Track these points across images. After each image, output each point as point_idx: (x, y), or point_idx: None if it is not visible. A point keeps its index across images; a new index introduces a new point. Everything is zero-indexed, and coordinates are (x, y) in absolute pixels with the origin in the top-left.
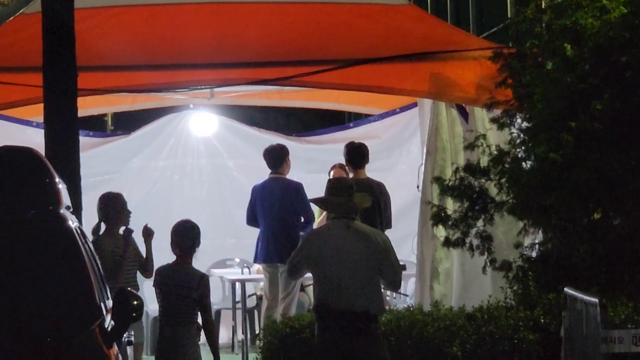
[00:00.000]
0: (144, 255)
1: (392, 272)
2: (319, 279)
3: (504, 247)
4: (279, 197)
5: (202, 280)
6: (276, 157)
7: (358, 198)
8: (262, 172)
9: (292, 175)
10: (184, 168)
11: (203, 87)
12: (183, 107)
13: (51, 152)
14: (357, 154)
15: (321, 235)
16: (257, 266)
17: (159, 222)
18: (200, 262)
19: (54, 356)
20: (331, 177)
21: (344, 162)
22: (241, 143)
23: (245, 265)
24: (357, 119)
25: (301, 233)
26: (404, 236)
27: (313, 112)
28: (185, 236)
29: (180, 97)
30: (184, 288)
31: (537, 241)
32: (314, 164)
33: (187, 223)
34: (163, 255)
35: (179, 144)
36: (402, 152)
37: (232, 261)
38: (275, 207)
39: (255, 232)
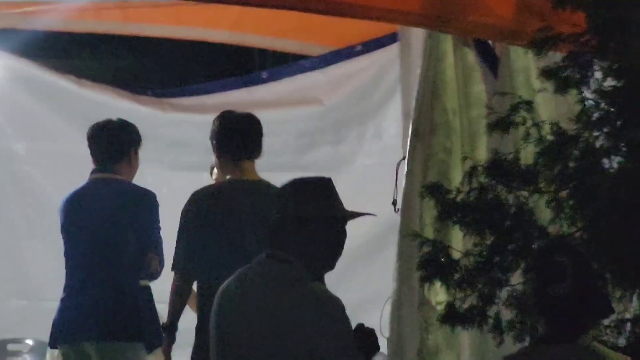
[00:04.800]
0: None
1: None
2: None
3: None
4: (105, 215)
5: None
6: (114, 141)
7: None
8: (84, 167)
9: (143, 173)
10: None
11: None
12: None
13: None
14: (239, 132)
15: (232, 294)
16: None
17: None
18: None
19: None
20: (213, 178)
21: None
22: (42, 107)
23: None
24: (277, 64)
25: (146, 283)
26: (363, 301)
27: (189, 48)
28: None
29: None
30: None
31: (630, 316)
32: (188, 152)
33: None
34: None
35: None
36: (366, 132)
37: (18, 344)
38: (95, 235)
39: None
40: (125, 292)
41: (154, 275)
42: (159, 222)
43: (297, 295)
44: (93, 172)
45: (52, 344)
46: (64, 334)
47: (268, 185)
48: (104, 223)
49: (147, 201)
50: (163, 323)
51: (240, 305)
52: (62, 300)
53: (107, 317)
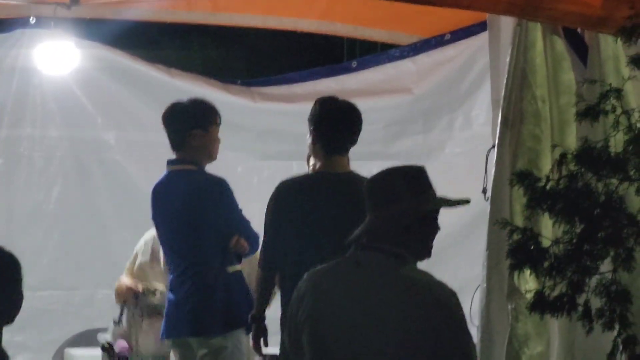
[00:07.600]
0: None
1: None
2: None
3: None
4: (182, 209)
5: None
6: (182, 126)
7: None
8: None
9: (232, 162)
10: (14, 146)
11: None
12: (15, 23)
13: None
14: (335, 123)
15: (329, 283)
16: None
17: None
18: (38, 333)
19: None
20: (311, 167)
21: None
22: (132, 96)
23: None
24: (366, 53)
25: (235, 268)
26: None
27: (277, 38)
28: None
29: (10, 2)
30: None
31: None
32: (277, 141)
33: None
34: None
35: (7, 97)
36: (455, 121)
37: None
38: (178, 230)
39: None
40: (215, 283)
41: (247, 256)
42: (236, 205)
43: (403, 282)
44: (168, 162)
45: (162, 336)
46: (169, 329)
47: (357, 178)
48: (183, 217)
49: (219, 188)
50: (251, 314)
51: (338, 295)
52: (168, 294)
53: (201, 313)
